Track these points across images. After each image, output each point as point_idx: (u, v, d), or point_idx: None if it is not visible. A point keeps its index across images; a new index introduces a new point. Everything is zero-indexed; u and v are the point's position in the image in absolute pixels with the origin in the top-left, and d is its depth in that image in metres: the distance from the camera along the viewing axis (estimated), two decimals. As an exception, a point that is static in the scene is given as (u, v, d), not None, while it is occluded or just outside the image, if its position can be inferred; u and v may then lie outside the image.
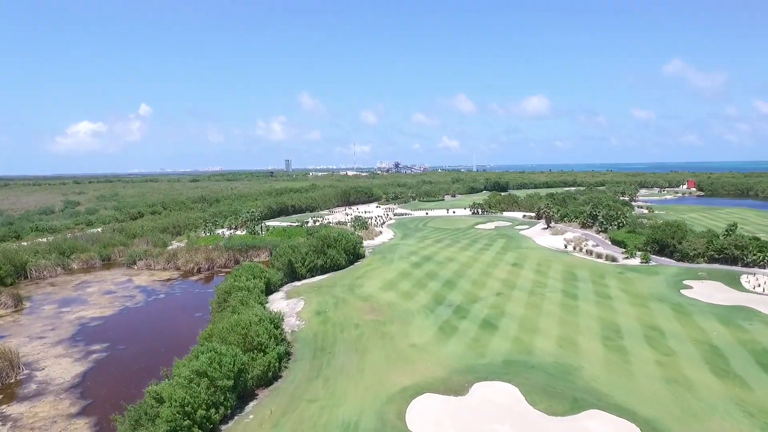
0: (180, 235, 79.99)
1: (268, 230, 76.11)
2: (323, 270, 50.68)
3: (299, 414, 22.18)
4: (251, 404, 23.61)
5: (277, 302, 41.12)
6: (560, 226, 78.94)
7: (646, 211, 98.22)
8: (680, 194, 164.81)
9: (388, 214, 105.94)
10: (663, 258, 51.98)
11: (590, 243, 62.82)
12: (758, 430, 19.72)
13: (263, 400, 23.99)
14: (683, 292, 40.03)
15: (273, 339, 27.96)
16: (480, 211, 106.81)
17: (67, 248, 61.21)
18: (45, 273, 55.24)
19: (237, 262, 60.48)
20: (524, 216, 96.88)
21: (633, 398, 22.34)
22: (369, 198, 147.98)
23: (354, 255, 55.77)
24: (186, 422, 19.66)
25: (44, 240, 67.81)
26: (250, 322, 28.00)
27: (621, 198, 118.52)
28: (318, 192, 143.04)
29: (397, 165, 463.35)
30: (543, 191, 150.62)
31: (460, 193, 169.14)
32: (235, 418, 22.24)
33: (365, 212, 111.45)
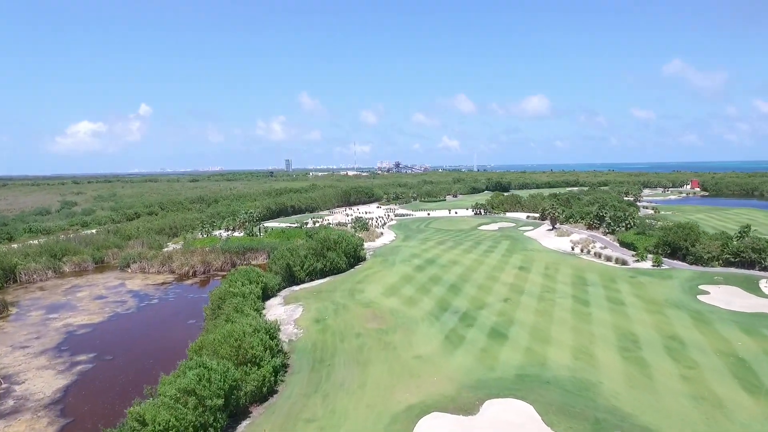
0: (176, 236, 78.14)
1: (266, 232, 74.23)
2: (323, 274, 48.84)
3: (295, 436, 20.35)
4: (244, 423, 21.77)
5: (275, 308, 39.29)
6: (566, 227, 77.05)
7: (651, 212, 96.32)
8: (684, 194, 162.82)
9: (389, 215, 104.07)
10: (675, 261, 50.09)
11: (598, 245, 60.95)
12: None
13: (257, 418, 22.15)
14: (700, 297, 38.16)
15: (268, 351, 26.12)
16: (482, 211, 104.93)
17: (58, 250, 59.36)
18: (35, 277, 53.40)
19: (234, 265, 58.63)
20: (528, 217, 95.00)
21: (659, 419, 20.49)
22: (370, 198, 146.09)
23: (355, 258, 53.91)
24: (170, 448, 17.84)
25: (36, 242, 65.90)
26: (243, 333, 26.16)
27: (625, 198, 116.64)
28: (318, 192, 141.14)
29: (397, 165, 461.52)
30: (545, 191, 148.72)
31: (461, 194, 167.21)
32: (226, 440, 20.42)
33: (366, 213, 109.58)
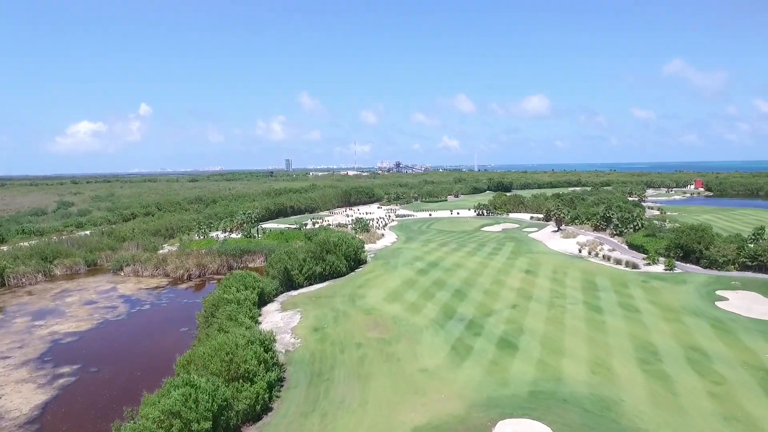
0: (173, 238, 76.30)
1: (264, 233, 72.38)
2: (322, 278, 47.00)
3: (291, 462, 18.53)
4: (235, 447, 19.95)
5: (271, 315, 37.45)
6: (571, 228, 75.19)
7: (657, 212, 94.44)
8: (688, 194, 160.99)
9: (390, 216, 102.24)
10: (688, 265, 48.22)
11: (606, 247, 59.08)
12: None
13: (249, 441, 20.33)
14: (718, 304, 36.30)
15: (263, 364, 24.28)
16: (485, 212, 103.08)
17: (49, 253, 57.50)
18: (24, 281, 51.56)
19: (230, 268, 56.78)
20: (531, 218, 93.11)
21: (691, 443, 18.67)
22: (370, 198, 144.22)
23: (355, 261, 52.07)
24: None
25: (27, 244, 64.00)
26: (236, 345, 24.32)
27: (629, 198, 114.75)
28: (318, 192, 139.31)
29: (398, 165, 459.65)
30: (548, 191, 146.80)
31: (463, 194, 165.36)
32: (214, 467, 18.59)
33: (366, 213, 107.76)
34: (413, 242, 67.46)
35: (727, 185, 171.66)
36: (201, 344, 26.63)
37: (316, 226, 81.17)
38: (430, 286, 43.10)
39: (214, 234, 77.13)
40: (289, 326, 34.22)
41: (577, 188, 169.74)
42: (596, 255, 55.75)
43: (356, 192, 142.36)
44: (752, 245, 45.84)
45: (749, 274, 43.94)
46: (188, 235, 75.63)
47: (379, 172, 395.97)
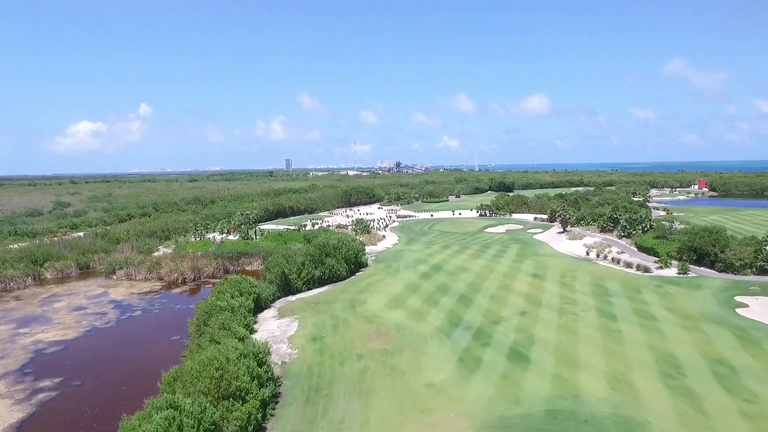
0: (169, 239, 74.48)
1: (262, 235, 70.55)
2: (321, 282, 45.16)
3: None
4: (224, 475, 18.11)
5: (268, 322, 35.61)
6: (577, 229, 73.34)
7: (663, 213, 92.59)
8: (693, 195, 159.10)
9: (390, 216, 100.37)
10: (702, 268, 46.36)
11: (614, 249, 57.21)
12: None
13: (240, 468, 18.48)
14: (738, 311, 34.43)
15: (256, 380, 22.44)
16: (488, 212, 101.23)
17: (39, 255, 55.64)
18: (12, 285, 49.67)
19: (227, 271, 55.00)
20: (535, 218, 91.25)
21: (729, 473, 16.81)
22: (371, 199, 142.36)
23: (355, 264, 50.23)
24: None
25: (17, 246, 62.13)
26: (227, 359, 22.46)
27: (634, 199, 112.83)
28: (317, 193, 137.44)
29: (398, 165, 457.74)
30: (550, 191, 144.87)
31: (464, 194, 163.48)
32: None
33: (367, 214, 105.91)
34: (415, 244, 65.61)
35: (732, 185, 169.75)
36: (190, 357, 24.80)
37: (316, 227, 79.37)
38: (434, 291, 41.25)
39: (211, 235, 75.35)
40: (286, 335, 32.37)
41: (580, 188, 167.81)
42: (605, 257, 53.92)
43: (356, 192, 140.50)
44: (770, 248, 43.97)
45: (767, 279, 42.06)
46: (184, 236, 73.77)
47: (380, 172, 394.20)
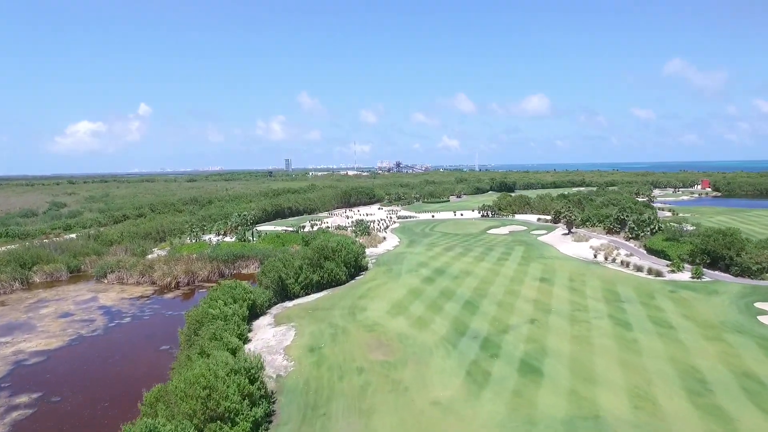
0: (164, 241, 72.59)
1: (260, 236, 68.68)
2: (319, 287, 43.29)
3: None
4: None
5: (263, 331, 33.74)
6: (583, 231, 71.51)
7: (669, 214, 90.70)
8: (696, 195, 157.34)
9: (391, 217, 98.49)
10: (716, 272, 44.51)
11: (622, 252, 55.37)
12: None
13: (227, 501, 16.61)
14: (761, 318, 32.59)
15: (247, 399, 20.58)
16: (490, 213, 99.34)
17: (28, 258, 53.72)
18: (-2, 289, 47.79)
19: (222, 275, 53.15)
20: (539, 219, 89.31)
21: None
22: (371, 199, 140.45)
23: (355, 267, 48.34)
24: None
25: (5, 248, 60.22)
26: (215, 376, 20.60)
27: (639, 199, 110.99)
28: (317, 193, 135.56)
29: (398, 164, 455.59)
30: (552, 192, 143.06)
31: (465, 194, 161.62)
32: None
33: (367, 215, 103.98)
34: (417, 246, 63.73)
35: (736, 185, 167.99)
36: (177, 372, 22.96)
37: (315, 228, 77.49)
38: (438, 297, 39.38)
39: (207, 237, 73.50)
40: (282, 345, 30.49)
41: (582, 188, 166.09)
42: (613, 260, 52.05)
43: (356, 192, 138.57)
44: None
45: (787, 284, 40.24)
46: (180, 238, 71.93)
47: (380, 172, 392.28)
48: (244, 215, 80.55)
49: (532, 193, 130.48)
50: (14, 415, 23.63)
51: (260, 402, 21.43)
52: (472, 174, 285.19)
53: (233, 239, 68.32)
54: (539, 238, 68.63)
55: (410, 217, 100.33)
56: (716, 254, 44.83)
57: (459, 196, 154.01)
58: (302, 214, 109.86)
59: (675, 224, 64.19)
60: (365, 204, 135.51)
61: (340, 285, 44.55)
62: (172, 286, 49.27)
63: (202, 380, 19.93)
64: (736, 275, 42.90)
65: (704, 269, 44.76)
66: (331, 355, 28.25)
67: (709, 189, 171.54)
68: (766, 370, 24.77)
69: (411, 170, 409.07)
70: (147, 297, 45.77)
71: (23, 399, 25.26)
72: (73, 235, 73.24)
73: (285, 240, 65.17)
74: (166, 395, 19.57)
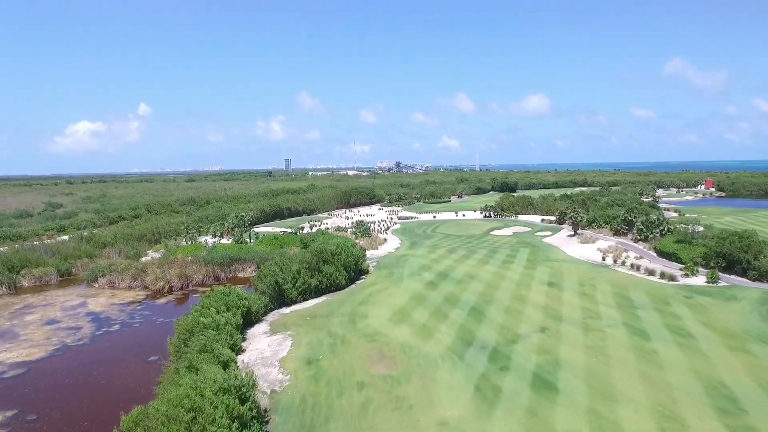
0: (159, 243, 70.70)
1: (258, 238, 66.85)
2: (318, 292, 41.46)
3: None
4: None
5: (258, 340, 31.90)
6: (589, 232, 69.71)
7: (675, 215, 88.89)
8: (700, 195, 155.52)
9: (392, 218, 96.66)
10: (733, 276, 42.69)
11: (632, 254, 53.59)
12: None
13: None
14: (785, 327, 30.76)
15: (237, 422, 18.74)
16: (492, 214, 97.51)
17: (17, 262, 51.86)
18: (-17, 294, 45.97)
19: (218, 278, 51.32)
20: (542, 220, 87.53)
21: None
22: (371, 199, 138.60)
23: (356, 271, 46.51)
24: None
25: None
26: (202, 396, 18.77)
27: (643, 199, 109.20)
28: (316, 193, 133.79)
29: (398, 164, 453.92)
30: (554, 192, 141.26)
31: (466, 194, 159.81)
32: None
33: (367, 215, 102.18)
34: (419, 248, 61.89)
35: (740, 185, 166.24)
36: (162, 390, 21.13)
37: (314, 229, 75.70)
38: (442, 303, 37.53)
39: (203, 239, 71.72)
40: (278, 356, 28.65)
41: (585, 188, 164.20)
42: (623, 263, 50.18)
43: (356, 193, 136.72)
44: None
45: (808, 289, 38.41)
46: (175, 240, 70.09)
47: (380, 171, 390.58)
48: (242, 216, 78.79)
49: (534, 193, 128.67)
50: (-15, 436, 21.82)
51: (251, 424, 19.59)
52: (473, 174, 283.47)
53: (230, 241, 66.49)
54: (544, 240, 66.82)
55: (411, 217, 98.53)
56: (732, 257, 43.03)
57: (460, 197, 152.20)
58: (301, 215, 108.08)
59: (685, 225, 62.41)
60: (365, 204, 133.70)
61: (340, 290, 42.74)
62: (165, 290, 47.41)
63: (186, 402, 18.10)
64: (754, 280, 41.08)
65: (720, 273, 42.95)
66: (330, 368, 26.41)
67: (713, 189, 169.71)
68: (800, 385, 22.94)
69: (411, 170, 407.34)
70: (138, 302, 43.92)
71: (-3, 417, 23.42)
72: (66, 237, 71.40)
73: (283, 242, 63.35)
74: (146, 419, 17.73)
